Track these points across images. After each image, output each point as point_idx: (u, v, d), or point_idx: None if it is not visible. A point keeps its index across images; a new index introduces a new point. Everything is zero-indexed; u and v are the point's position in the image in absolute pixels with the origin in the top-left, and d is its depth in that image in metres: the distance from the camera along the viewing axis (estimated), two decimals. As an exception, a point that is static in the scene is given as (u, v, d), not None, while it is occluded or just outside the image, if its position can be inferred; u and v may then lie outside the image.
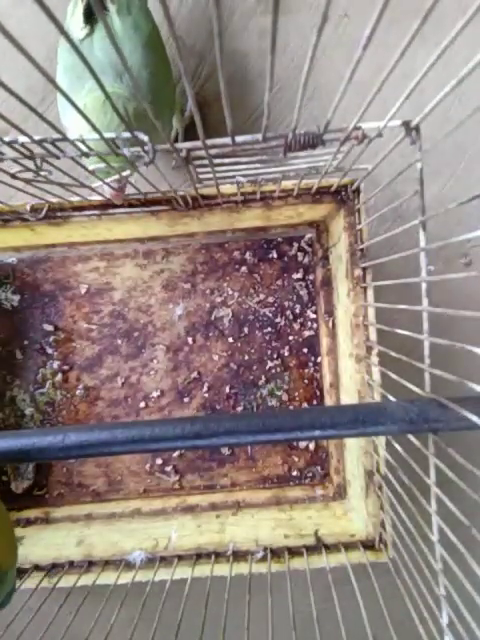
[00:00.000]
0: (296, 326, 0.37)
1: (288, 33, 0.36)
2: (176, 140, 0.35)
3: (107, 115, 0.23)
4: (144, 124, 0.23)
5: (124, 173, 0.23)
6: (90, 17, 0.25)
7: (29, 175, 0.22)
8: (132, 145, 0.19)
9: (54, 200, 0.27)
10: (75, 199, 0.27)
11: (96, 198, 0.27)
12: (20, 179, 0.22)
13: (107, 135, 0.18)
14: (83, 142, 0.18)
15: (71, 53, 0.26)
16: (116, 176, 0.23)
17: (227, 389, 0.37)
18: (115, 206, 0.28)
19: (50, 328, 0.37)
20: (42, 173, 0.22)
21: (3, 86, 0.14)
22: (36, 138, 0.17)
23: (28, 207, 0.27)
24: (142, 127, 0.19)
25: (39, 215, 0.28)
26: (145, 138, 0.18)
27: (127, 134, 0.17)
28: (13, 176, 0.21)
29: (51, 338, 0.37)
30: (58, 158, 0.19)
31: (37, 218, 0.28)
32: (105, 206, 0.29)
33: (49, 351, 0.37)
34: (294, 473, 0.37)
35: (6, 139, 0.18)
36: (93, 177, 0.23)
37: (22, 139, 0.17)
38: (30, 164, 0.20)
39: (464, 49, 0.33)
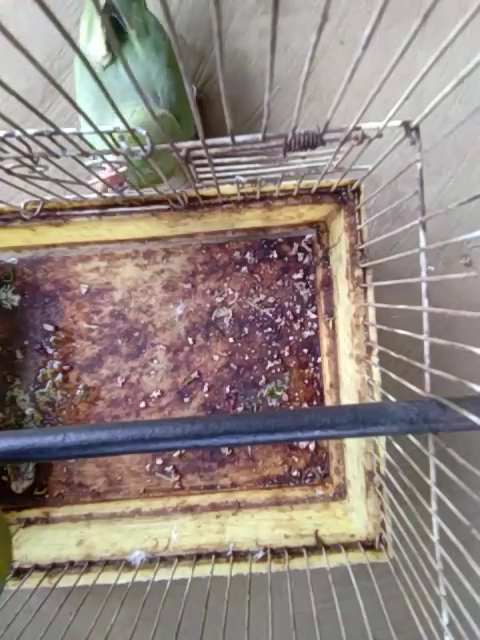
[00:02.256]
0: (296, 326, 0.37)
1: (288, 33, 0.36)
2: None
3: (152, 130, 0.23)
4: (174, 137, 0.23)
5: (120, 169, 0.23)
6: (109, 44, 0.25)
7: (25, 171, 0.22)
8: (130, 142, 0.19)
9: (50, 198, 0.27)
10: (71, 197, 0.27)
11: (93, 196, 0.27)
12: (16, 175, 0.22)
13: (104, 129, 0.17)
14: (81, 136, 0.18)
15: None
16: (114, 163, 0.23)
17: (227, 389, 0.37)
18: (115, 206, 0.28)
19: (50, 328, 0.37)
20: (38, 169, 0.22)
21: (4, 86, 0.14)
22: (31, 132, 0.17)
23: (22, 205, 0.27)
24: (174, 139, 0.19)
25: (34, 214, 0.28)
26: (143, 132, 0.18)
27: (124, 128, 0.17)
28: (9, 171, 0.21)
29: (51, 338, 0.37)
30: (58, 157, 0.19)
31: (32, 217, 0.28)
32: (105, 206, 0.29)
33: (49, 351, 0.37)
34: (294, 473, 0.37)
35: (1, 134, 0.18)
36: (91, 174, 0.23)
37: (18, 133, 0.17)
38: (27, 160, 0.20)
39: (464, 49, 0.33)
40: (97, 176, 0.24)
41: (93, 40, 0.25)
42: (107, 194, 0.27)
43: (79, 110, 0.15)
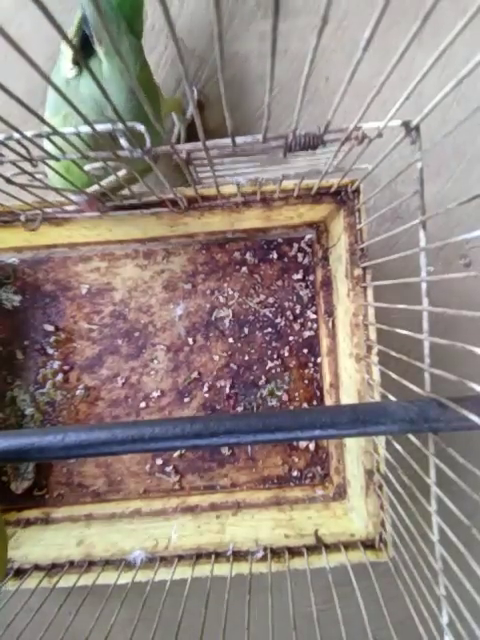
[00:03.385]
0: (296, 326, 0.37)
1: (288, 36, 0.36)
2: (178, 140, 0.36)
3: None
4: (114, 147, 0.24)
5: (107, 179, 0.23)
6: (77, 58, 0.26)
7: (25, 179, 0.22)
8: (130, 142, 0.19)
9: (50, 211, 0.28)
10: (71, 208, 0.27)
11: (90, 214, 0.27)
12: (15, 184, 0.22)
13: (101, 128, 0.18)
14: (79, 136, 0.18)
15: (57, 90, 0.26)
16: (94, 186, 0.24)
17: (227, 389, 0.37)
18: (116, 207, 0.29)
19: (51, 328, 0.37)
20: (38, 175, 0.22)
21: (3, 88, 0.14)
22: (30, 134, 0.18)
23: (23, 218, 0.28)
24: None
25: (33, 225, 0.28)
26: (141, 128, 0.18)
27: (122, 127, 0.17)
28: (8, 180, 0.21)
29: (52, 338, 0.37)
30: (57, 160, 0.19)
31: (31, 229, 0.28)
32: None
33: (50, 351, 0.37)
34: (294, 473, 0.37)
35: (0, 137, 0.18)
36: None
37: (17, 136, 0.17)
38: (27, 166, 0.20)
39: (463, 50, 0.33)
40: (71, 200, 0.25)
41: (65, 54, 0.26)
42: (89, 214, 0.27)
43: (77, 108, 0.15)
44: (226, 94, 0.14)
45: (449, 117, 0.36)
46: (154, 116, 0.15)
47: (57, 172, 0.22)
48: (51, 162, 0.20)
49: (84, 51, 0.26)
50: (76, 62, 0.25)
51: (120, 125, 0.17)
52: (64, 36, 0.11)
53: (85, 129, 0.18)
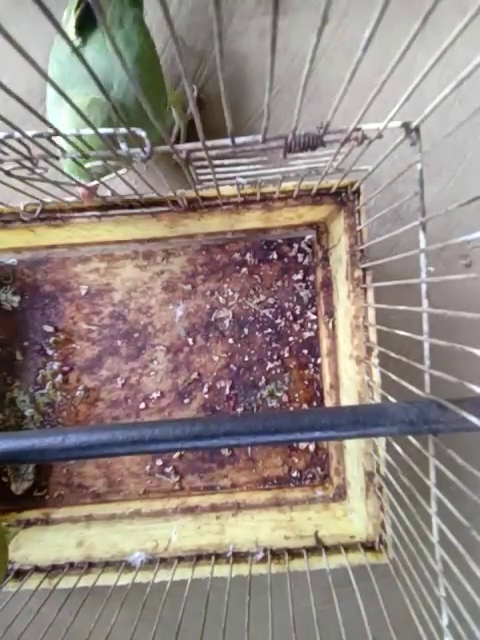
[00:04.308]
0: (296, 327, 0.37)
1: (288, 34, 0.36)
2: (178, 138, 0.35)
3: (91, 117, 0.23)
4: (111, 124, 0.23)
5: (120, 171, 0.23)
6: (82, 29, 0.25)
7: (24, 173, 0.22)
8: (131, 143, 0.19)
9: (50, 200, 0.27)
10: (71, 199, 0.27)
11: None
12: (15, 177, 0.22)
13: (103, 131, 0.18)
14: (80, 138, 0.19)
15: (60, 64, 0.26)
16: (94, 180, 0.24)
17: (227, 390, 0.37)
18: (115, 207, 0.29)
19: (50, 329, 0.37)
20: (38, 171, 0.22)
21: (3, 88, 0.14)
22: (31, 134, 0.17)
23: (22, 206, 0.28)
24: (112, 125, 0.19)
25: (34, 215, 0.28)
26: (142, 134, 0.18)
27: (124, 131, 0.17)
28: (8, 173, 0.21)
29: (51, 339, 0.37)
30: (57, 158, 0.19)
31: (32, 218, 0.28)
32: (105, 207, 0.29)
33: (49, 352, 0.37)
34: (294, 474, 0.37)
35: (1, 136, 0.18)
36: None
37: (18, 135, 0.17)
38: (26, 162, 0.20)
39: (464, 50, 0.33)
40: (73, 194, 0.25)
41: (68, 25, 0.26)
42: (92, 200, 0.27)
43: (64, 94, 0.15)
44: (226, 93, 0.14)
45: (449, 118, 0.35)
46: (160, 90, 0.15)
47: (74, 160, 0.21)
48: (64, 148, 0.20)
49: (87, 23, 0.25)
50: (79, 33, 0.25)
51: (123, 129, 0.17)
52: (59, 29, 0.11)
53: (87, 132, 0.18)
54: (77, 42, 0.25)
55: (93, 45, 0.25)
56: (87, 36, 0.25)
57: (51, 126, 0.17)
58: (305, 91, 0.14)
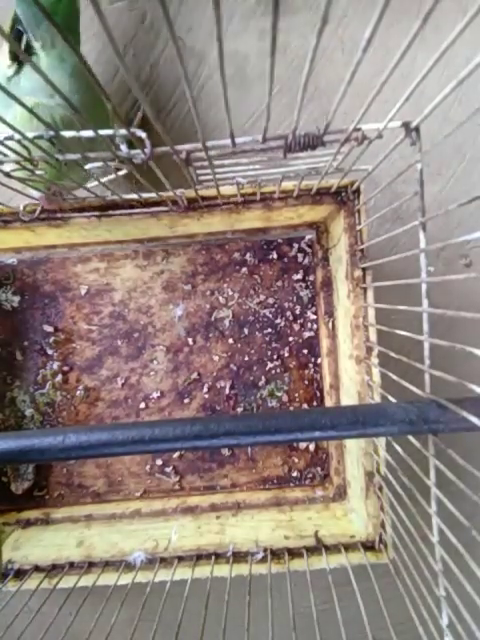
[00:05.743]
0: (296, 327, 0.37)
1: (288, 34, 0.36)
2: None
3: (33, 122, 0.24)
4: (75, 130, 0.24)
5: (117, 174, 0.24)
6: (16, 56, 0.27)
7: (24, 174, 0.22)
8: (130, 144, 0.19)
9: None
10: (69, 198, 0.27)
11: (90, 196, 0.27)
12: (15, 178, 0.22)
13: (104, 132, 0.18)
14: (80, 140, 0.19)
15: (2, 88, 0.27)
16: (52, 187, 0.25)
17: (227, 390, 0.37)
18: (115, 207, 0.29)
19: (50, 329, 0.37)
20: (38, 172, 0.22)
21: (2, 89, 0.14)
22: (31, 135, 0.17)
23: (22, 206, 0.28)
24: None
25: (34, 215, 0.28)
26: (143, 135, 0.18)
27: (124, 132, 0.17)
28: (8, 175, 0.21)
29: (51, 339, 0.37)
30: (58, 160, 0.19)
31: (31, 218, 0.28)
32: (105, 208, 0.29)
33: (49, 352, 0.37)
34: (294, 474, 0.37)
35: (1, 137, 0.18)
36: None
37: (18, 136, 0.17)
38: (26, 163, 0.20)
39: (464, 50, 0.33)
40: (33, 198, 0.26)
41: (2, 53, 0.28)
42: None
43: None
44: (226, 100, 0.14)
45: (449, 117, 0.35)
46: (100, 101, 0.15)
47: (24, 167, 0.22)
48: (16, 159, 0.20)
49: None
50: (14, 58, 0.27)
51: (122, 131, 0.17)
52: (2, 32, 0.11)
53: (88, 134, 0.18)
54: (13, 69, 0.27)
55: (28, 68, 0.27)
56: (21, 63, 0.27)
57: (51, 127, 0.17)
58: (305, 91, 0.14)
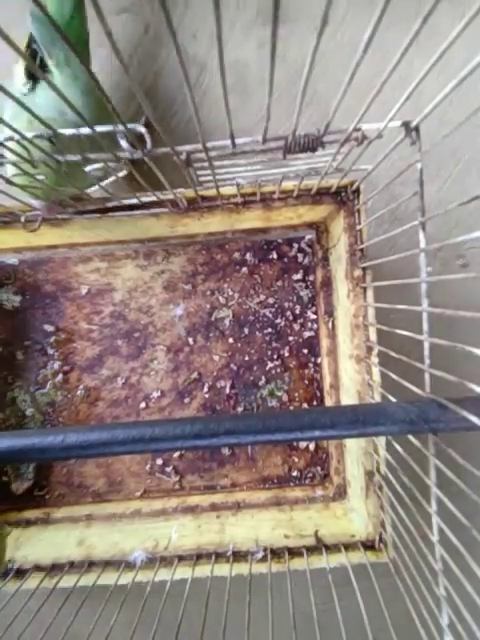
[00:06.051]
0: (296, 327, 0.37)
1: (287, 41, 0.36)
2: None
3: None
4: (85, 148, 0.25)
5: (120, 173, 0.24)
6: (31, 73, 0.27)
7: (25, 180, 0.22)
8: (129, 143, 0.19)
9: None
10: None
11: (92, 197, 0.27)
12: (16, 185, 0.22)
13: (101, 129, 0.18)
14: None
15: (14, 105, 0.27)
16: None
17: (227, 390, 0.37)
18: (116, 207, 0.29)
19: (51, 329, 0.37)
20: (39, 177, 0.22)
21: (2, 90, 0.14)
22: (30, 135, 0.18)
23: (23, 219, 0.28)
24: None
25: (34, 226, 0.28)
26: (143, 130, 0.18)
27: (122, 128, 0.17)
28: (8, 181, 0.21)
29: (52, 339, 0.37)
30: (58, 162, 0.19)
31: (31, 230, 0.28)
32: (105, 208, 0.29)
33: (50, 352, 0.37)
34: (294, 473, 0.37)
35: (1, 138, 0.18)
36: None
37: (17, 137, 0.17)
38: (27, 167, 0.20)
39: (462, 50, 0.33)
40: (34, 206, 0.26)
41: (17, 70, 0.28)
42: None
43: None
44: (226, 100, 0.14)
45: (448, 118, 0.36)
46: (109, 114, 0.15)
47: (24, 171, 0.22)
48: (16, 165, 0.21)
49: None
50: (29, 76, 0.27)
51: (121, 126, 0.17)
52: (18, 50, 0.12)
53: (86, 131, 0.18)
54: (28, 86, 0.27)
55: (42, 85, 0.27)
56: (36, 80, 0.27)
57: (50, 128, 0.17)
58: (305, 93, 0.14)
